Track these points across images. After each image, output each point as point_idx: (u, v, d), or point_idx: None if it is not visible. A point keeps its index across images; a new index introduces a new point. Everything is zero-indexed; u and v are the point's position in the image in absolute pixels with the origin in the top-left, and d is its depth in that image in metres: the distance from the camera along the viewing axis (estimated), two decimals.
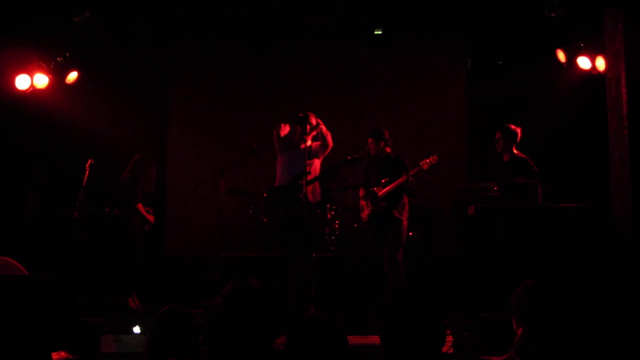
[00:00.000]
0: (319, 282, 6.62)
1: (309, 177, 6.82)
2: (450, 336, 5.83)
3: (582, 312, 4.99)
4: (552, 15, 7.48)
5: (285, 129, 7.16)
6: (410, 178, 7.00)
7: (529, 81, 8.77)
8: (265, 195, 7.58)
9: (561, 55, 8.03)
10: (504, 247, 6.83)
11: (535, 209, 6.74)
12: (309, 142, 7.00)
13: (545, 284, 3.69)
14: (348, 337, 5.00)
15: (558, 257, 6.48)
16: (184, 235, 9.61)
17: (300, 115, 7.15)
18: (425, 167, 7.01)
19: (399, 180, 6.98)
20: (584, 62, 7.82)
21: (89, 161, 7.65)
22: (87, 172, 7.61)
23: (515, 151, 7.20)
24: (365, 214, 7.36)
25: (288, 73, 9.81)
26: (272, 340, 3.03)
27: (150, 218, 7.81)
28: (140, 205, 7.67)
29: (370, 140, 7.37)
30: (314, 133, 7.05)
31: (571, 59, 7.99)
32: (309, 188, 6.83)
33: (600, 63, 7.54)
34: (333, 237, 8.24)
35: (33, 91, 8.19)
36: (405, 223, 7.16)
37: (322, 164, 7.37)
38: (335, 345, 2.98)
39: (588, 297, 5.72)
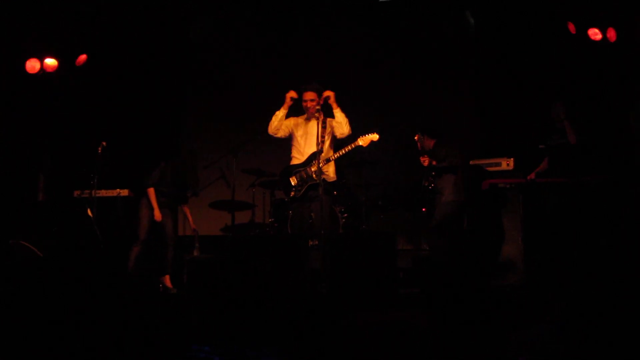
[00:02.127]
0: (331, 259, 6.60)
1: (323, 156, 6.75)
2: None
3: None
4: None
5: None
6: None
7: (538, 53, 8.68)
8: (279, 174, 7.26)
9: (571, 27, 7.95)
10: (525, 220, 6.82)
11: (556, 183, 6.71)
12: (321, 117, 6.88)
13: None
14: (363, 313, 5.06)
15: (582, 230, 6.48)
16: (196, 215, 9.63)
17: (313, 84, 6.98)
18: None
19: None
20: (594, 34, 7.74)
21: (102, 143, 7.65)
22: (100, 154, 7.63)
23: None
24: None
25: (298, 51, 9.73)
26: None
27: (157, 213, 7.68)
28: (150, 191, 7.65)
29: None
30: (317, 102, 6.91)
31: (581, 30, 7.90)
32: (324, 169, 6.77)
33: (612, 34, 7.49)
34: (346, 215, 8.23)
35: (43, 75, 8.21)
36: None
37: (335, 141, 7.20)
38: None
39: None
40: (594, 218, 6.66)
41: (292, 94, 6.89)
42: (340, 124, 6.79)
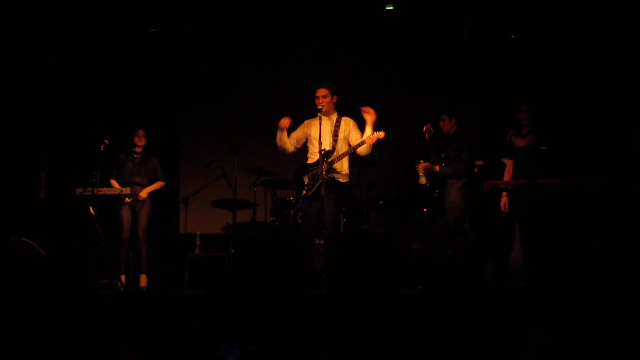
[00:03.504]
0: (333, 259, 6.61)
1: (334, 155, 6.77)
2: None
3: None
4: None
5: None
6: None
7: (538, 53, 8.70)
8: (295, 173, 7.23)
9: None
10: (526, 222, 6.84)
11: (555, 185, 6.72)
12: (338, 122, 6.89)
13: None
14: (364, 313, 5.08)
15: (583, 231, 6.49)
16: (197, 213, 9.64)
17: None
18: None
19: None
20: None
21: (104, 141, 7.66)
22: (102, 152, 7.64)
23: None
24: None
25: (300, 51, 9.73)
26: None
27: (126, 190, 7.83)
28: (111, 181, 7.92)
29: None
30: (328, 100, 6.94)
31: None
32: (336, 167, 6.79)
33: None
34: (347, 215, 8.24)
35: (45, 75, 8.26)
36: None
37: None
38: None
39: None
40: (594, 219, 6.68)
41: (283, 122, 6.90)
42: (368, 144, 6.77)
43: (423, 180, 7.14)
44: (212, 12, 9.41)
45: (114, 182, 7.91)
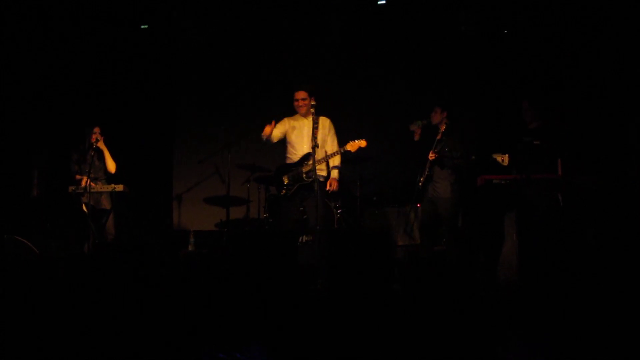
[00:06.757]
0: (328, 255, 6.59)
1: (316, 157, 6.77)
2: None
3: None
4: None
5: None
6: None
7: (535, 49, 8.69)
8: (274, 172, 7.26)
9: None
10: (520, 217, 6.83)
11: (551, 181, 6.72)
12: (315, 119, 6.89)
13: None
14: (359, 312, 5.08)
15: (574, 231, 6.49)
16: (190, 210, 9.63)
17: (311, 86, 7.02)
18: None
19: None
20: None
21: (97, 139, 7.63)
22: (95, 149, 7.62)
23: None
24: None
25: (294, 47, 9.72)
26: None
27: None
28: (78, 178, 7.68)
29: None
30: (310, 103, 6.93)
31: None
32: (318, 166, 6.78)
33: None
34: (340, 210, 8.26)
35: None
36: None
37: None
38: None
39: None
40: (588, 216, 6.68)
41: (267, 131, 6.88)
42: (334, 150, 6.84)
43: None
44: (205, 9, 9.41)
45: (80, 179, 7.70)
